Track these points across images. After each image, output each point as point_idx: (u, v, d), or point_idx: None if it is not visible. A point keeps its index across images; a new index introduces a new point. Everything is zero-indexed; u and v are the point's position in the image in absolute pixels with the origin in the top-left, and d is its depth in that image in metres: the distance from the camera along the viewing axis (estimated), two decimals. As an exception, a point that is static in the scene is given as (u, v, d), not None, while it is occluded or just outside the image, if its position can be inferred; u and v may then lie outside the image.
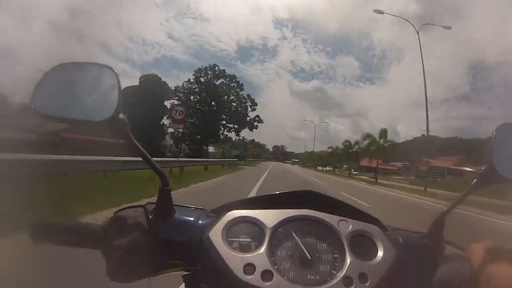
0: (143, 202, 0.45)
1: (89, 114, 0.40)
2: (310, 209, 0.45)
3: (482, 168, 0.41)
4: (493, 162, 0.40)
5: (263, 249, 0.39)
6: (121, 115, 0.39)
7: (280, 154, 77.79)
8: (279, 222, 0.42)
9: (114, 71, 0.41)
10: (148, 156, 0.42)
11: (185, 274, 0.43)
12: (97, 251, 0.42)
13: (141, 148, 0.42)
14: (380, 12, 24.81)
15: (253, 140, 74.51)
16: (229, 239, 0.40)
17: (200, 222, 0.44)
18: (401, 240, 0.44)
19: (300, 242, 0.40)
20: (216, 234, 0.40)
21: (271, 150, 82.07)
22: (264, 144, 76.83)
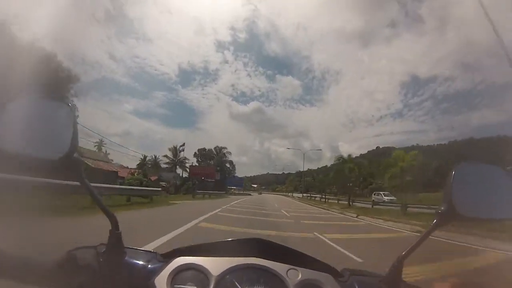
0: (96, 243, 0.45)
1: (43, 151, 0.38)
2: (260, 258, 0.44)
3: (442, 208, 0.41)
4: (453, 202, 0.40)
5: None
6: (75, 155, 0.38)
7: (216, 168, 43.83)
8: (224, 271, 0.42)
9: (70, 106, 0.40)
10: (99, 198, 0.42)
11: None
12: None
13: (93, 190, 0.41)
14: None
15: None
16: (175, 286, 0.40)
17: (149, 266, 0.43)
18: (356, 287, 0.44)
19: None
20: (161, 281, 0.40)
21: (195, 161, 45.43)
22: (178, 147, 40.42)
